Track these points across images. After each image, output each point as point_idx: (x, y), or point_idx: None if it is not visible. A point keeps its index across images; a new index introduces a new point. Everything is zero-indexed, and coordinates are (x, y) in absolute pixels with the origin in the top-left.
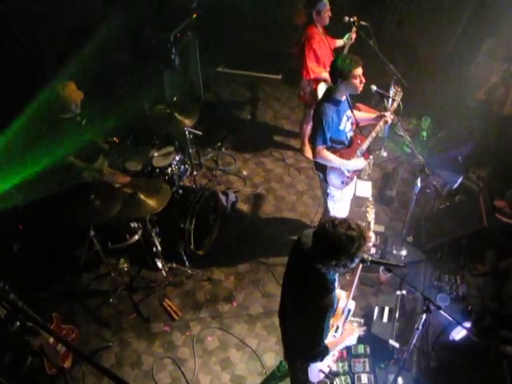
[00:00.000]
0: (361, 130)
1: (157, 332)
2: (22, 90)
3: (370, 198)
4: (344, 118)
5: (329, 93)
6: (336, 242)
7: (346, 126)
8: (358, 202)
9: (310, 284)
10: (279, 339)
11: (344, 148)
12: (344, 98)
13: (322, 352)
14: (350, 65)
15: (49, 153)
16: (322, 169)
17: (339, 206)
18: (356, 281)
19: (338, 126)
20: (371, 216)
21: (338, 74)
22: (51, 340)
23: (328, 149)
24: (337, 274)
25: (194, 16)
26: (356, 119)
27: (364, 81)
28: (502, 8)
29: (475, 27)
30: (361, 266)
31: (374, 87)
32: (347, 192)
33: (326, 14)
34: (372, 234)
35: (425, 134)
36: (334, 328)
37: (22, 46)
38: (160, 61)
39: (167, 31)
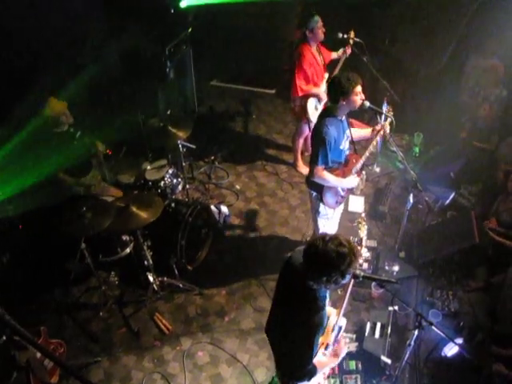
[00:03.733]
0: (355, 148)
1: (147, 347)
2: (12, 102)
3: (363, 214)
4: (344, 138)
5: (330, 113)
6: (327, 258)
7: (346, 146)
8: (350, 217)
9: (300, 301)
10: (271, 354)
11: (341, 167)
12: (344, 117)
13: (310, 371)
14: (353, 83)
15: (43, 166)
16: (317, 188)
17: (330, 224)
18: (347, 298)
19: (339, 146)
20: (363, 232)
21: (340, 92)
22: (38, 355)
23: (326, 168)
24: (328, 292)
25: (190, 30)
26: (353, 138)
27: (363, 97)
28: (492, 26)
29: (468, 44)
30: (352, 282)
31: (367, 103)
32: (338, 209)
33: (320, 31)
34: (365, 250)
35: (417, 149)
36: (324, 346)
37: (15, 55)
38: (154, 74)
39: (162, 44)
